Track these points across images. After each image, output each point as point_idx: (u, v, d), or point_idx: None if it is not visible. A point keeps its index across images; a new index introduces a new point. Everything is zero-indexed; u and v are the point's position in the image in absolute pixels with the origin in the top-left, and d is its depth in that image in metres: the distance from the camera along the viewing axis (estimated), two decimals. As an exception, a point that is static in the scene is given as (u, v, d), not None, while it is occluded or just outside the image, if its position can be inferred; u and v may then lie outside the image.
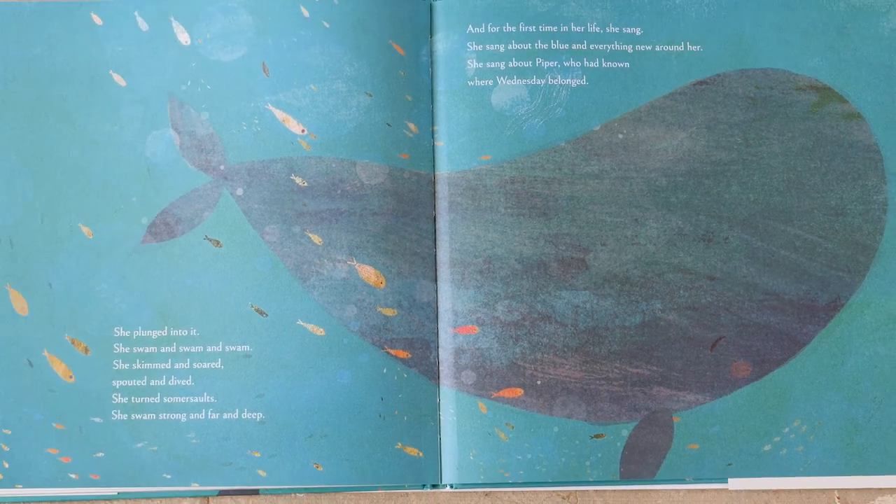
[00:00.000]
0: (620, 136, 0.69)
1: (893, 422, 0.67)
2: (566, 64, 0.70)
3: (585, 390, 0.67)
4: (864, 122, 0.70)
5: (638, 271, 0.68)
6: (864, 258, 0.69)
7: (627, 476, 0.67)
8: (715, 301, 0.68)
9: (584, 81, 0.70)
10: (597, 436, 0.67)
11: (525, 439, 0.67)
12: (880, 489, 0.68)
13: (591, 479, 0.67)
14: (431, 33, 0.70)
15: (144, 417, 0.67)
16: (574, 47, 0.70)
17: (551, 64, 0.70)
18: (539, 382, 0.67)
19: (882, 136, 0.70)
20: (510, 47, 0.70)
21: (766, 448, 0.67)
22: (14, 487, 0.66)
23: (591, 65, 0.70)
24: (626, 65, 0.70)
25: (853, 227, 0.69)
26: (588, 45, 0.70)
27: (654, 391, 0.67)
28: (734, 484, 0.67)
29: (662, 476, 0.67)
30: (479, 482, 0.67)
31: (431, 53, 0.70)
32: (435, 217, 0.69)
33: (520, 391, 0.67)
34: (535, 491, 0.68)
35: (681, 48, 0.70)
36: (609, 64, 0.70)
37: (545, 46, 0.70)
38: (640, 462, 0.67)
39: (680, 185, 0.69)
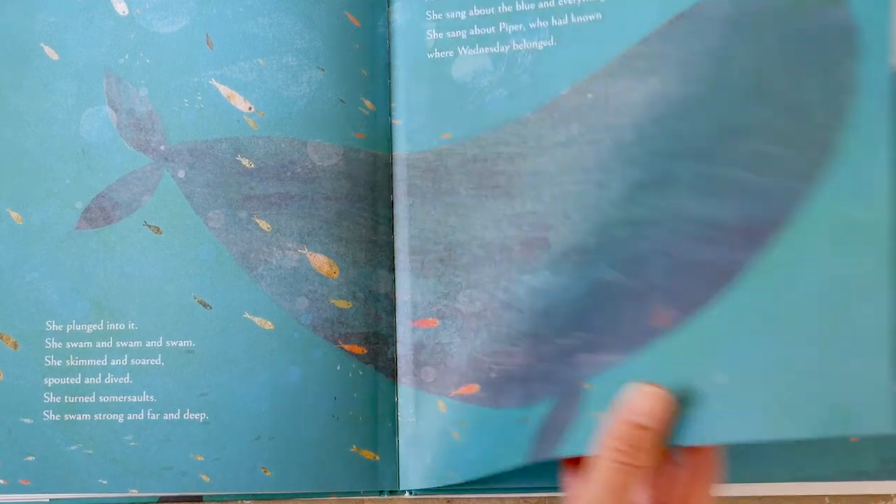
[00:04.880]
0: (590, 96, 0.63)
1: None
2: (532, 25, 0.64)
3: (525, 376, 0.61)
4: (843, 2, 0.59)
5: (593, 238, 0.62)
6: (822, 156, 0.57)
7: (538, 457, 0.59)
8: (655, 247, 0.59)
9: (551, 42, 0.64)
10: (523, 419, 0.61)
11: (475, 437, 0.62)
12: (874, 495, 0.64)
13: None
14: (388, 3, 0.66)
15: (78, 418, 0.64)
16: (541, 6, 0.64)
17: (516, 27, 0.64)
18: (493, 375, 0.62)
19: (862, 12, 0.59)
20: (472, 13, 0.65)
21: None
22: (-61, 494, 0.63)
23: (559, 23, 0.64)
24: (599, 16, 0.64)
25: (815, 124, 0.57)
26: (556, 2, 0.64)
27: (574, 359, 0.61)
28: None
29: (568, 451, 0.58)
30: (440, 487, 0.62)
31: (389, 24, 0.66)
32: (392, 202, 0.65)
33: (476, 387, 0.62)
34: (500, 497, 0.64)
35: None
36: (578, 18, 0.64)
37: (509, 9, 0.64)
38: (552, 441, 0.59)
39: (647, 134, 0.62)
